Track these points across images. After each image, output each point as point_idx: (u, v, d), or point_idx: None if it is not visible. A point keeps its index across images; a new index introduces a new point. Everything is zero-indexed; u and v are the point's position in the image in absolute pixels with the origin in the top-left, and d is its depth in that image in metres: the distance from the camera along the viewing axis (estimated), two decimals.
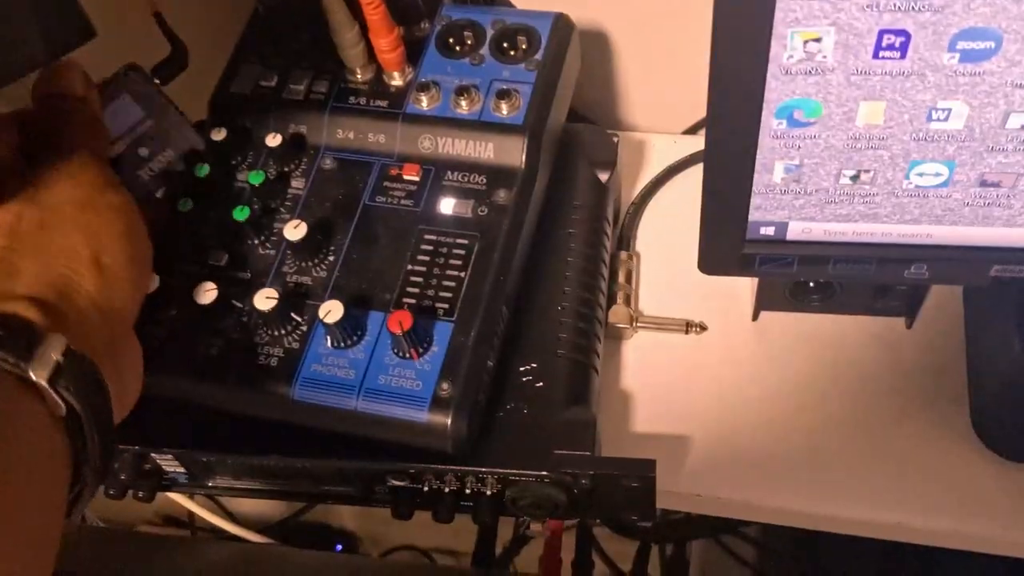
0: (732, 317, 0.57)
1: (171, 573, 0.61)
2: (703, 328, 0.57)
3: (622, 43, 0.63)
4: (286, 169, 0.51)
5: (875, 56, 0.35)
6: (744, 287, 0.57)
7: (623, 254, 0.59)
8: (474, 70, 0.52)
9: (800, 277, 0.50)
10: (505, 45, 0.53)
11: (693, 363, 0.56)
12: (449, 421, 0.45)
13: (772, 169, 0.41)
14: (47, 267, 0.37)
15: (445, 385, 0.45)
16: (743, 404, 0.53)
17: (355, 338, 0.46)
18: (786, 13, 0.34)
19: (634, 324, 0.56)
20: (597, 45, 0.63)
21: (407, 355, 0.46)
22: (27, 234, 0.37)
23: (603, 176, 0.57)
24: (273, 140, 0.50)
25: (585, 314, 0.53)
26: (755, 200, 0.42)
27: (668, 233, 0.60)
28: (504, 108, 0.51)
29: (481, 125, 0.51)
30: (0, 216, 0.37)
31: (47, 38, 0.39)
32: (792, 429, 0.52)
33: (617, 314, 0.56)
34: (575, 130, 0.57)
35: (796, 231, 0.44)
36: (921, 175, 0.40)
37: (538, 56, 0.52)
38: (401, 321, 0.44)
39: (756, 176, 0.41)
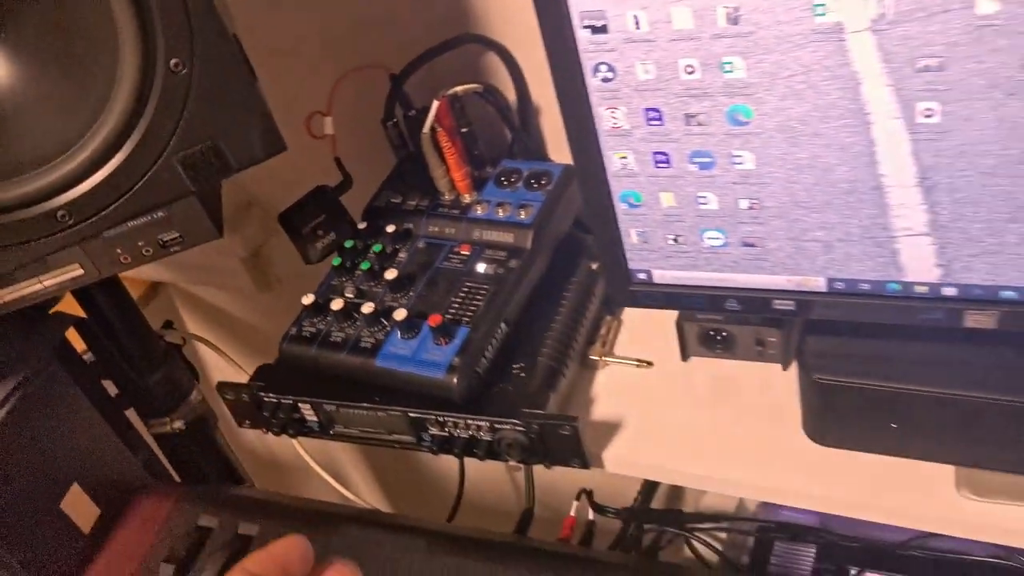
0: (671, 357, 0.85)
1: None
2: (650, 364, 0.86)
3: None
4: (396, 247, 0.89)
5: (655, 166, 0.67)
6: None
7: (608, 317, 0.90)
8: (512, 195, 0.88)
9: (667, 308, 0.78)
10: (532, 181, 0.89)
11: (643, 387, 0.85)
12: (455, 379, 0.78)
13: (630, 234, 0.72)
14: None
15: (457, 360, 0.78)
16: (673, 411, 0.81)
17: (413, 333, 0.81)
18: (606, 142, 0.67)
19: (603, 359, 0.87)
20: None
21: (439, 342, 0.80)
22: None
23: (594, 265, 0.89)
24: (390, 229, 0.88)
25: (564, 341, 0.84)
26: (628, 255, 0.74)
27: None
28: (522, 214, 0.86)
29: (508, 223, 0.86)
30: None
31: (244, 146, 0.70)
32: (700, 429, 0.79)
33: (594, 351, 0.87)
34: (580, 237, 0.91)
35: (658, 276, 0.74)
36: (710, 238, 0.70)
37: (550, 187, 0.87)
38: (435, 321, 0.79)
39: (624, 239, 0.73)
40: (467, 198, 0.89)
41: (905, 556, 0.86)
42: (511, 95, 0.92)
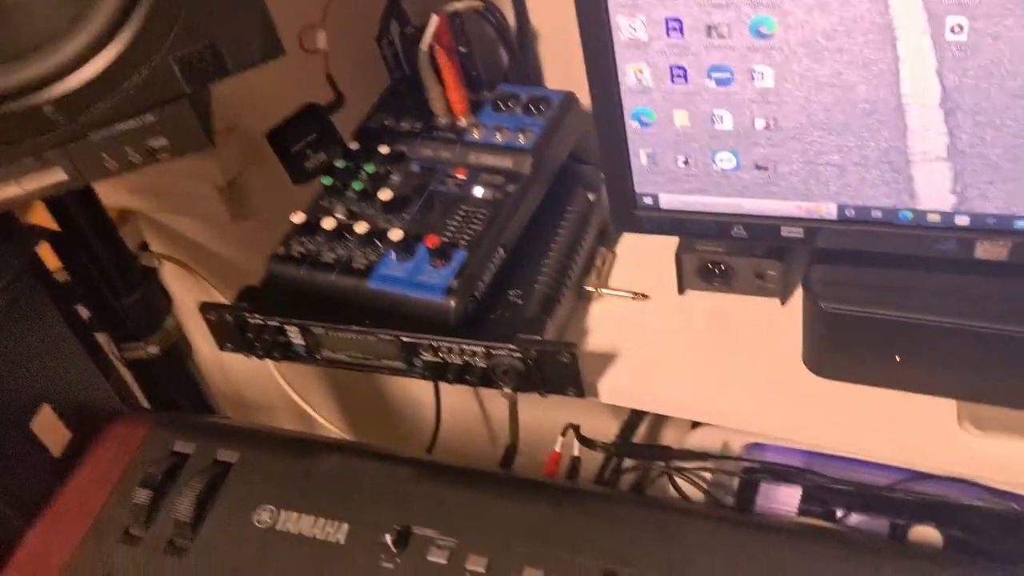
0: (667, 291, 0.84)
1: None
2: (646, 296, 0.84)
3: None
4: (388, 169, 0.86)
5: (672, 81, 0.65)
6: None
7: (603, 248, 0.88)
8: (510, 119, 0.86)
9: (672, 234, 0.77)
10: (531, 107, 0.86)
11: (638, 320, 0.83)
12: (453, 302, 0.75)
13: (639, 156, 0.70)
14: None
15: (454, 282, 0.76)
16: (669, 344, 0.80)
17: (408, 254, 0.78)
18: (622, 54, 0.65)
19: (599, 290, 0.85)
20: None
21: (435, 264, 0.77)
22: None
23: (591, 196, 0.87)
24: (384, 150, 0.85)
25: (561, 270, 0.82)
26: (635, 177, 0.72)
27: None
28: (521, 138, 0.83)
29: (506, 148, 0.83)
30: None
31: (242, 48, 0.65)
32: (696, 361, 0.78)
33: (589, 282, 0.85)
34: (577, 167, 0.89)
35: (665, 201, 0.73)
36: (721, 160, 0.68)
37: (550, 113, 0.85)
38: (433, 242, 0.76)
39: (631, 160, 0.71)
40: (463, 121, 0.86)
41: (891, 498, 0.86)
42: (511, 18, 0.89)
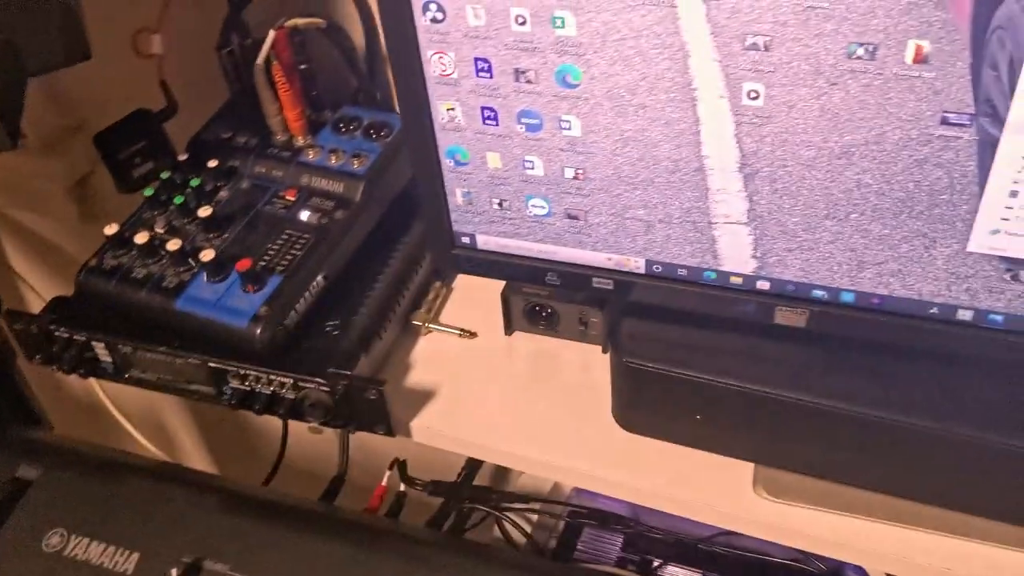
0: (496, 330, 0.82)
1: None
2: (473, 334, 0.83)
3: None
4: (218, 184, 0.83)
5: (483, 122, 0.63)
6: None
7: (438, 283, 0.86)
8: (348, 142, 0.83)
9: (489, 276, 0.75)
10: (371, 131, 0.84)
11: (463, 358, 0.81)
12: (258, 330, 0.72)
13: (455, 194, 0.69)
14: None
15: (263, 309, 0.73)
16: (490, 386, 0.78)
17: (220, 276, 0.75)
18: (434, 90, 0.63)
19: (426, 326, 0.83)
20: None
21: (247, 289, 0.74)
22: None
23: None
24: (212, 164, 0.82)
25: (385, 303, 0.80)
26: (452, 216, 0.70)
27: None
28: (356, 164, 0.81)
29: (339, 172, 0.81)
30: None
31: (43, 48, 0.67)
32: (513, 405, 0.77)
33: (417, 316, 0.83)
34: (416, 195, 0.87)
35: (482, 242, 0.71)
36: (534, 207, 0.67)
37: (388, 139, 0.83)
38: (244, 265, 0.73)
39: (448, 198, 0.69)
40: (300, 141, 0.84)
41: (707, 551, 0.86)
42: (361, 39, 0.87)
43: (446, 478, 0.97)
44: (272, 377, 0.74)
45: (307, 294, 0.75)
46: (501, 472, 1.14)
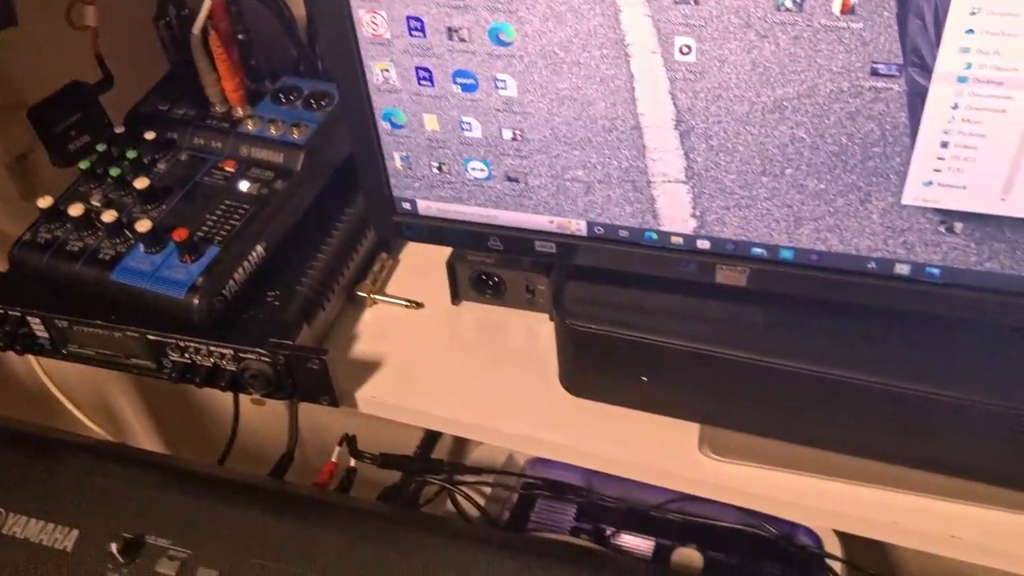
0: (443, 301, 0.82)
1: None
2: (421, 305, 0.82)
3: None
4: (156, 157, 0.81)
5: (419, 83, 0.63)
6: None
7: (384, 254, 0.86)
8: (288, 112, 0.82)
9: (431, 242, 0.74)
10: (311, 101, 0.83)
11: (410, 329, 0.81)
12: (196, 300, 0.71)
13: (393, 158, 0.68)
14: None
15: (201, 279, 0.72)
16: (436, 355, 0.77)
17: (157, 248, 0.74)
18: (367, 51, 0.62)
19: (371, 297, 0.82)
20: None
21: (184, 260, 0.73)
22: None
23: None
24: (150, 136, 0.81)
25: (328, 273, 0.79)
26: (392, 181, 0.69)
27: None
28: (295, 133, 0.80)
29: (278, 142, 0.80)
30: None
31: None
32: (459, 373, 0.76)
33: (362, 288, 0.82)
34: None
35: (423, 207, 0.70)
36: (474, 169, 0.66)
37: (329, 108, 0.82)
38: (180, 235, 0.72)
39: (387, 163, 0.68)
40: (239, 112, 0.82)
41: (660, 519, 0.86)
42: (301, 8, 0.86)
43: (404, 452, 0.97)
44: (212, 348, 0.73)
45: (246, 264, 0.74)
46: (460, 447, 1.13)
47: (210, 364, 0.74)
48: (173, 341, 0.73)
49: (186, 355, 0.74)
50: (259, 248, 0.75)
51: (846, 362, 0.62)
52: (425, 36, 0.60)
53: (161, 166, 0.81)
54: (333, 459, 0.90)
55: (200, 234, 0.74)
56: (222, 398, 1.20)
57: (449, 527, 0.77)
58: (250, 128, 0.81)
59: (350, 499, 0.81)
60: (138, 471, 0.79)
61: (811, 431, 0.66)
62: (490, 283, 0.79)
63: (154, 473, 0.79)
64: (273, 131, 0.80)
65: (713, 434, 0.69)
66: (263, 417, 1.13)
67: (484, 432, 0.73)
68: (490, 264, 0.78)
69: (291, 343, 0.72)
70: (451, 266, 0.79)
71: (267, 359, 0.72)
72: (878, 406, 0.62)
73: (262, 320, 0.74)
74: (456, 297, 0.81)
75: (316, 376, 0.72)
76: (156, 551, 0.72)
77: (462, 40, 0.59)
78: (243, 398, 0.97)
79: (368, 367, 0.77)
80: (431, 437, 1.06)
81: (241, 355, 0.72)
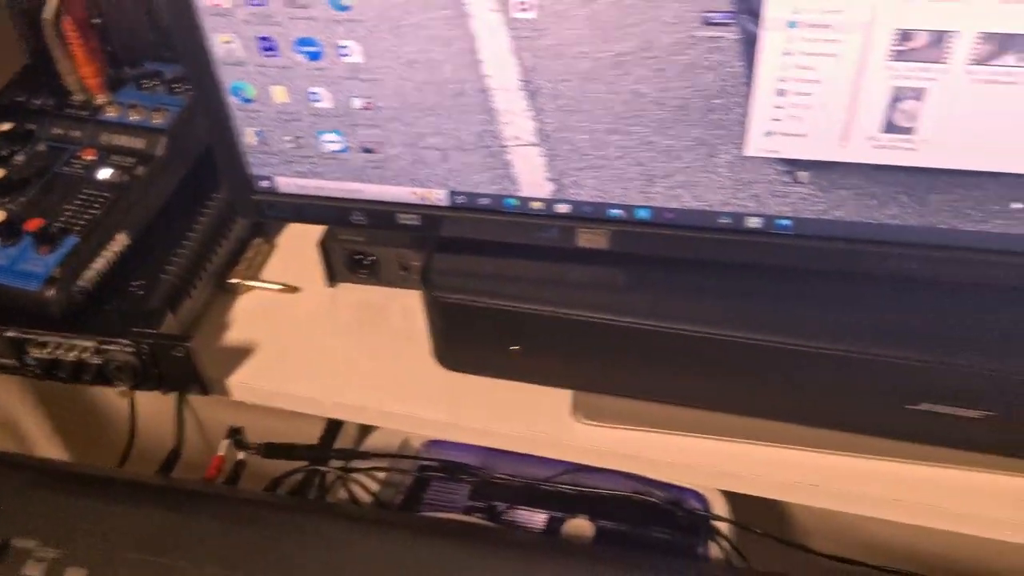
0: (319, 283, 0.80)
1: None
2: (295, 289, 0.80)
3: None
4: (13, 149, 0.78)
5: (263, 53, 0.61)
6: None
7: (259, 239, 0.84)
8: (150, 97, 0.80)
9: (294, 221, 0.72)
10: (174, 85, 0.81)
11: (285, 314, 0.79)
12: (53, 292, 0.69)
13: (247, 134, 0.66)
14: None
15: (57, 271, 0.69)
16: (311, 339, 0.76)
17: (13, 240, 0.71)
18: (208, 22, 0.60)
19: (244, 283, 0.80)
20: None
21: (40, 251, 0.70)
22: None
23: None
24: (6, 127, 0.78)
25: (195, 260, 0.77)
26: (248, 158, 0.67)
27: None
28: (157, 118, 0.78)
29: (140, 127, 0.77)
30: None
31: None
32: (335, 356, 0.74)
33: (235, 274, 0.81)
34: None
35: (283, 184, 0.69)
36: (329, 142, 0.65)
37: (192, 92, 0.80)
38: (34, 225, 0.70)
39: (241, 139, 0.66)
40: (99, 99, 0.80)
41: (551, 491, 0.86)
42: None
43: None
44: (73, 342, 0.71)
45: (107, 253, 0.72)
46: (363, 436, 1.12)
47: (74, 358, 0.71)
48: (33, 337, 0.71)
49: (47, 350, 0.71)
50: (121, 236, 0.73)
51: (708, 319, 0.62)
52: (265, 4, 0.58)
53: (19, 158, 0.78)
54: (220, 452, 0.88)
55: (58, 224, 0.72)
56: (120, 400, 1.17)
57: (335, 511, 0.76)
58: (110, 115, 0.79)
59: (229, 489, 0.79)
60: (3, 473, 0.76)
61: (678, 390, 0.66)
62: (364, 263, 0.78)
63: (21, 474, 0.76)
64: (134, 117, 0.78)
65: (586, 399, 0.69)
66: (163, 416, 1.10)
67: (365, 413, 0.72)
68: (362, 243, 0.76)
69: (153, 331, 0.70)
70: (324, 248, 0.78)
71: (130, 349, 0.70)
72: (740, 361, 0.62)
73: (125, 310, 0.72)
74: (332, 279, 0.80)
75: (181, 364, 0.70)
76: (22, 553, 0.70)
77: (302, 7, 0.58)
78: (139, 398, 0.95)
79: (241, 353, 0.75)
80: (333, 427, 1.04)
81: (103, 347, 0.70)
